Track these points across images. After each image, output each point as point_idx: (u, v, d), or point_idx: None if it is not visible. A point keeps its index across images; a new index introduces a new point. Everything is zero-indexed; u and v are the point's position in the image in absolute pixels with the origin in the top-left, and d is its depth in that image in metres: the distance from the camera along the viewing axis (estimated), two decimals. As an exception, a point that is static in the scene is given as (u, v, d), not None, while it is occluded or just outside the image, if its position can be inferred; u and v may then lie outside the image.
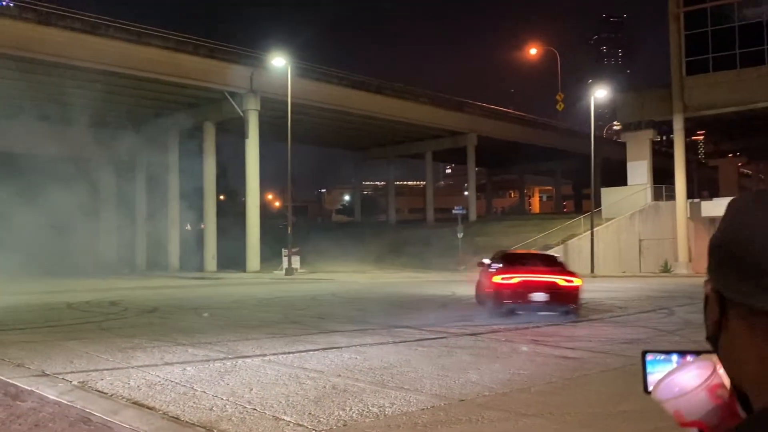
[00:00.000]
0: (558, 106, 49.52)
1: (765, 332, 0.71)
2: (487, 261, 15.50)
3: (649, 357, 0.93)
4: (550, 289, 13.19)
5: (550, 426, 5.39)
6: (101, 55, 31.57)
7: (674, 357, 0.91)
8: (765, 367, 0.71)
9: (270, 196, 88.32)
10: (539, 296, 13.08)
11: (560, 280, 13.45)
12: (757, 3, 34.07)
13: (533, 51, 57.14)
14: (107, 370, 7.67)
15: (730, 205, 0.77)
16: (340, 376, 7.33)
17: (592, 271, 32.16)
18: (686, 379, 0.82)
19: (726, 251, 0.74)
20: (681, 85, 35.80)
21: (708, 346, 0.84)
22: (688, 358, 0.90)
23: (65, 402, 6.12)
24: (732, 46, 34.35)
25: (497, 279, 13.37)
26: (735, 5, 34.55)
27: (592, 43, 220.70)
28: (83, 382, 6.99)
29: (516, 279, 13.26)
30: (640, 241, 36.47)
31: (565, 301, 13.32)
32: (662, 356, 0.92)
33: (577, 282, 13.52)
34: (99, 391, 6.61)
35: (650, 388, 0.89)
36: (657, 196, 38.31)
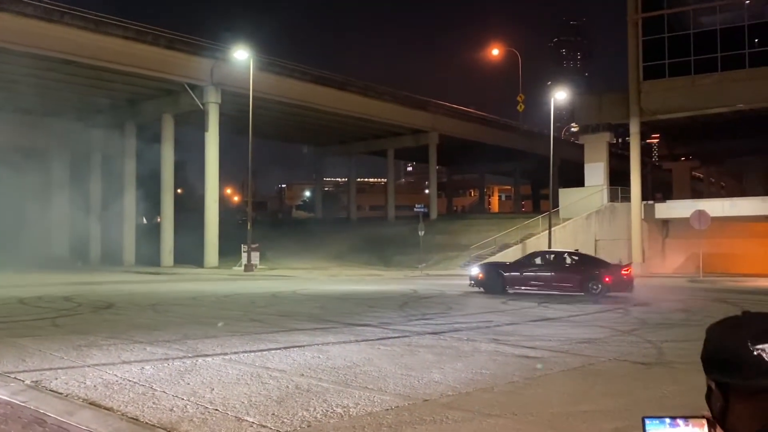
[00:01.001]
0: (519, 107, 50.25)
1: (759, 406, 1.05)
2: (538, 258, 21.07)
3: (648, 422, 1.12)
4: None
5: (514, 426, 5.44)
6: (56, 43, 30.61)
7: (667, 420, 1.12)
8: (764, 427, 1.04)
9: (229, 191, 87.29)
10: (634, 281, 19.60)
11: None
12: (711, 12, 35.09)
13: (495, 52, 57.77)
14: (62, 368, 7.44)
15: (708, 330, 1.16)
16: (303, 375, 7.27)
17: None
18: None
19: (714, 360, 1.12)
20: (638, 89, 36.62)
21: (690, 411, 1.13)
22: (679, 421, 1.11)
23: (18, 402, 5.91)
24: (687, 53, 35.28)
25: (626, 271, 19.49)
26: (691, 13, 35.52)
27: (552, 45, 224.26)
28: (37, 381, 6.77)
29: (629, 270, 19.77)
30: (596, 241, 37.22)
31: None
32: (657, 420, 1.12)
33: None
34: (53, 390, 6.40)
35: None
36: (613, 198, 39.13)
